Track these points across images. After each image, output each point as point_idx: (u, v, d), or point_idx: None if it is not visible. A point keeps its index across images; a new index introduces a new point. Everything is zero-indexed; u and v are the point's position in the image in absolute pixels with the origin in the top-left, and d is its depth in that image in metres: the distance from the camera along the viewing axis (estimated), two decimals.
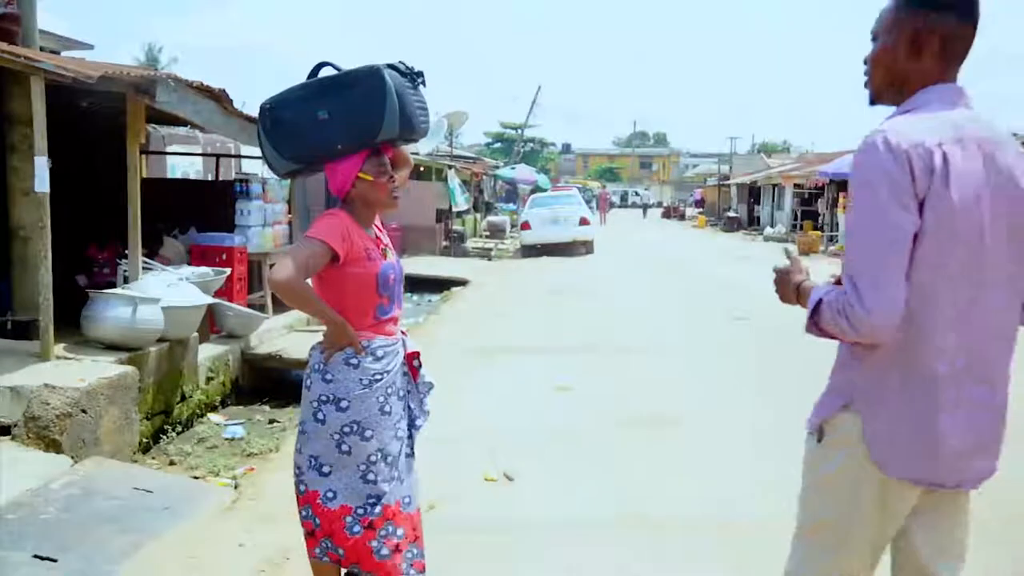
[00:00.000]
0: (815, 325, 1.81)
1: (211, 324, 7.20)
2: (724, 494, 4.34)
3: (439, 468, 4.22)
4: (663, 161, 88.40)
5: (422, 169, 20.84)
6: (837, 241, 21.90)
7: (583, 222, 21.22)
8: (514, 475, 4.64)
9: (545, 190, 31.13)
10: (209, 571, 3.53)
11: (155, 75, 6.16)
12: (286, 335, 8.36)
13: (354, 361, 2.66)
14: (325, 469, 2.67)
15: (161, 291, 6.02)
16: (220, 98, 6.80)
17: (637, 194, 70.09)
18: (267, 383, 7.47)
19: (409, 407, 2.82)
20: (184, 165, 15.97)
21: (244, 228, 8.40)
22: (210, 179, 13.53)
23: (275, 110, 2.75)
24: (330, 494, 2.67)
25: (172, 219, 8.52)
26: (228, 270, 7.45)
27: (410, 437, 2.82)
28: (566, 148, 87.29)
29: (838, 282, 1.87)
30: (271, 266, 7.54)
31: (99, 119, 7.34)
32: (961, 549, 1.94)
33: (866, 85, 1.96)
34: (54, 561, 3.45)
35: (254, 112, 4.06)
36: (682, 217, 48.02)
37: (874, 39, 1.94)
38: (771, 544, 2.57)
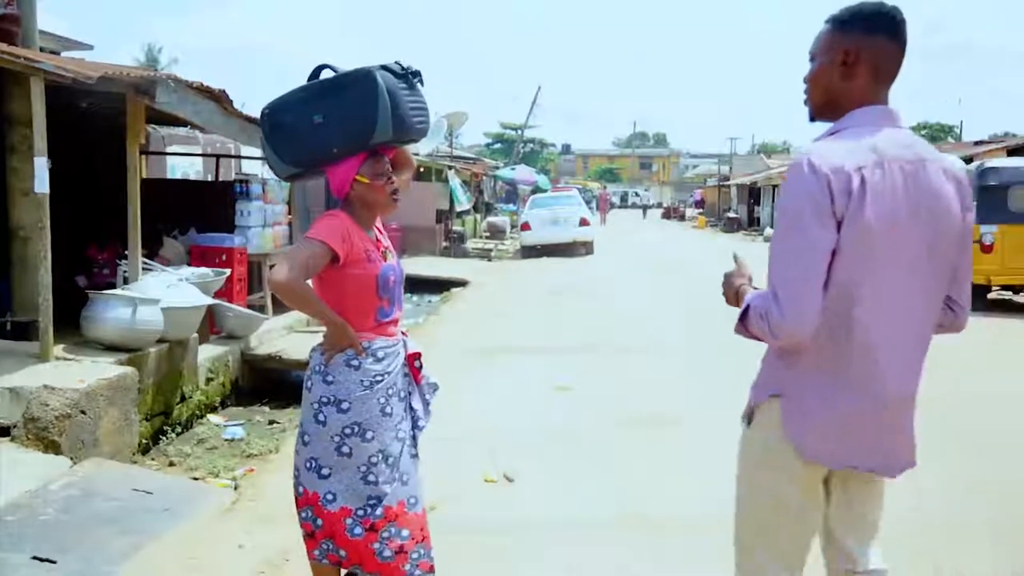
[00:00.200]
0: (744, 327, 1.95)
1: (211, 325, 7.20)
2: (724, 494, 4.26)
3: (439, 468, 4.21)
4: (663, 162, 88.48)
5: (422, 170, 20.84)
6: None
7: (583, 223, 21.22)
8: (514, 476, 4.64)
9: (545, 191, 31.14)
10: (209, 572, 3.53)
11: (155, 75, 6.16)
12: (286, 336, 8.36)
13: (355, 362, 2.66)
14: (324, 471, 2.67)
15: (161, 292, 6.01)
16: (220, 98, 6.80)
17: (637, 195, 70.23)
18: (267, 384, 7.47)
19: (411, 408, 2.82)
20: (184, 166, 15.96)
21: (244, 229, 8.40)
22: (210, 180, 13.50)
23: (274, 114, 2.75)
24: (329, 496, 2.66)
25: (172, 220, 8.52)
26: (228, 271, 7.45)
27: (413, 438, 2.82)
28: (566, 149, 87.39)
29: None
30: (271, 267, 7.55)
31: (99, 119, 7.34)
32: (874, 530, 2.10)
33: (805, 103, 2.05)
34: (53, 562, 3.44)
35: (254, 112, 4.06)
36: (682, 218, 48.06)
37: (812, 59, 2.01)
38: None
